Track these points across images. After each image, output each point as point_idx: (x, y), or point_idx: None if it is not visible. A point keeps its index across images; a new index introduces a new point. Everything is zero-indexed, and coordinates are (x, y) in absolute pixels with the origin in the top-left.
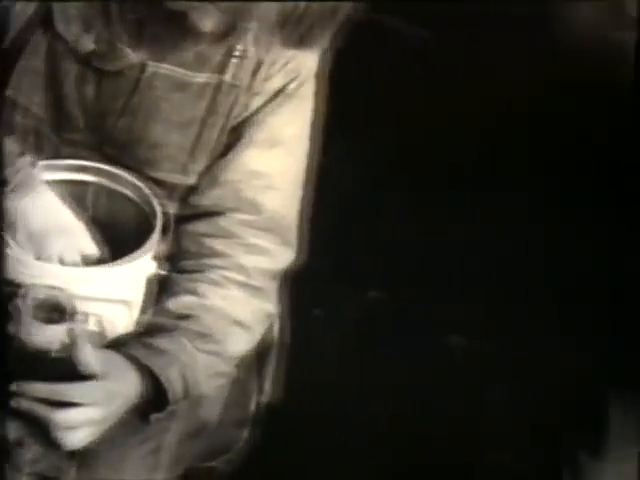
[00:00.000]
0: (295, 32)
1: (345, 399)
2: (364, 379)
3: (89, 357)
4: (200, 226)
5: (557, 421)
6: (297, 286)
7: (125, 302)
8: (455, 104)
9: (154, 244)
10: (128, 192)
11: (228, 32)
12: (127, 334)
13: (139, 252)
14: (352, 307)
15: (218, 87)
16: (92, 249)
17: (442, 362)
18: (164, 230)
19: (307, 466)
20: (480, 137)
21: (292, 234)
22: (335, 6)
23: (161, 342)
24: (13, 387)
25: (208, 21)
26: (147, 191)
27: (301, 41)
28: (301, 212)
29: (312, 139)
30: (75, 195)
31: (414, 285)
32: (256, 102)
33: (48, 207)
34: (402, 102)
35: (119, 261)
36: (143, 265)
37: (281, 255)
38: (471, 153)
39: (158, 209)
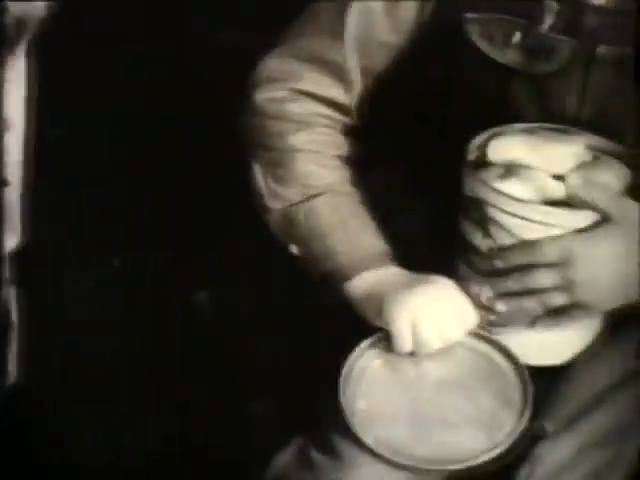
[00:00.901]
0: None
1: (98, 371)
2: (117, 349)
3: None
4: None
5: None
6: (37, 264)
7: None
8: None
9: None
10: None
11: None
12: None
13: None
14: (96, 278)
15: None
16: None
17: (193, 319)
18: None
19: (59, 445)
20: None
21: (16, 219)
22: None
23: None
24: None
25: None
26: None
27: None
28: (27, 193)
29: (28, 118)
30: None
31: (152, 247)
32: None
33: None
34: (116, 69)
35: None
36: None
37: (5, 242)
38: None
39: None
